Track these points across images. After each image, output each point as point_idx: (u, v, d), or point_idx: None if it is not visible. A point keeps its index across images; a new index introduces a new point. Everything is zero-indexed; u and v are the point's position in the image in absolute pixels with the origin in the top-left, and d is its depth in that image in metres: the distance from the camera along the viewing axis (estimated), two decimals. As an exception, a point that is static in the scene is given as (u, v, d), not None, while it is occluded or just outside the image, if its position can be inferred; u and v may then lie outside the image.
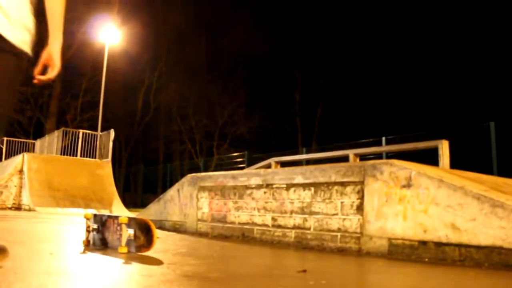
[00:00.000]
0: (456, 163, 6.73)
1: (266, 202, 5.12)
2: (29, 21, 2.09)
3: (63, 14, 2.28)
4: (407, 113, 26.43)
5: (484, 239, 3.29)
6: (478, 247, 3.32)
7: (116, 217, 3.48)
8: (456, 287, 2.46)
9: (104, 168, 16.31)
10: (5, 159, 19.42)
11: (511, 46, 24.45)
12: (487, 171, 9.03)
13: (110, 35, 23.05)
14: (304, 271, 2.74)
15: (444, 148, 6.63)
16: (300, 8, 32.98)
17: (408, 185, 3.84)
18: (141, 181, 29.28)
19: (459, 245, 3.43)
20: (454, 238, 3.46)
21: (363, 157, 8.28)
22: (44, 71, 2.26)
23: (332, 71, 29.96)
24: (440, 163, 6.59)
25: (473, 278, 2.82)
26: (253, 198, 5.29)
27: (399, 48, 29.39)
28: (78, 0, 23.23)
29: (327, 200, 4.49)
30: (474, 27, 26.24)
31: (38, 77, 2.24)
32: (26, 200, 14.32)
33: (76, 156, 17.16)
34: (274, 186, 5.07)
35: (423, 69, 27.87)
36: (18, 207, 14.70)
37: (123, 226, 3.37)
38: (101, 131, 19.11)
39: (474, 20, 26.13)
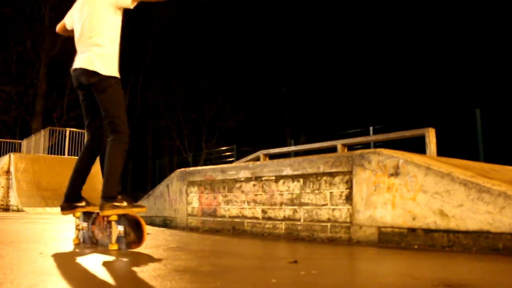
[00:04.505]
0: (443, 151, 6.80)
1: (256, 195, 5.13)
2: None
3: None
4: (394, 102, 26.61)
5: (471, 224, 3.34)
6: (466, 233, 3.37)
7: (106, 215, 3.46)
8: (446, 273, 2.49)
9: (93, 167, 16.14)
10: (-9, 160, 19.18)
11: (495, 33, 24.68)
12: (474, 157, 9.12)
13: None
14: (295, 261, 2.75)
15: (431, 136, 6.71)
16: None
17: (396, 174, 3.87)
18: (130, 178, 29.11)
19: (447, 231, 3.47)
20: (442, 224, 3.50)
21: (351, 147, 8.35)
22: None
23: (318, 64, 30.04)
24: (427, 150, 6.66)
25: (462, 263, 2.86)
26: (242, 191, 5.29)
27: (384, 38, 29.53)
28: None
29: (316, 191, 4.51)
30: (457, 14, 26.42)
31: None
32: (14, 200, 14.19)
33: (64, 155, 17.00)
34: (263, 178, 5.08)
35: (408, 58, 28.03)
36: (6, 208, 14.56)
37: (113, 223, 3.36)
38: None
39: (458, 8, 26.31)
